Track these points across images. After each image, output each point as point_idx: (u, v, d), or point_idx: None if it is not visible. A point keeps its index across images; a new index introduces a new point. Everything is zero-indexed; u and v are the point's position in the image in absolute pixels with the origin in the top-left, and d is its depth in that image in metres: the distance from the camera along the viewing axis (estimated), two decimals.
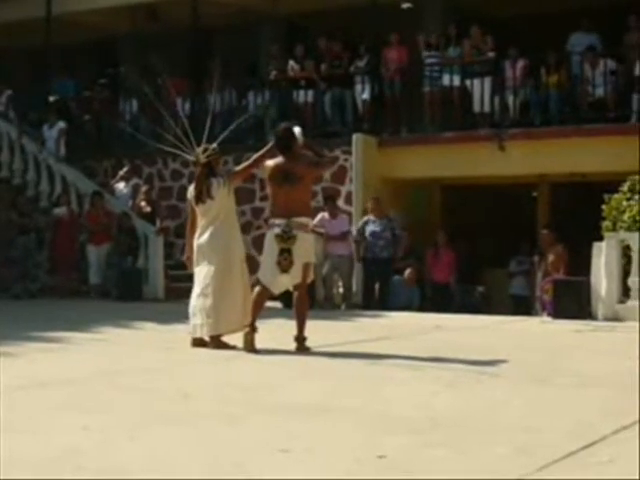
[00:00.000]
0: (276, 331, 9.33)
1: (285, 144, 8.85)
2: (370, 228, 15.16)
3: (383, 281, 15.13)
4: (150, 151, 17.16)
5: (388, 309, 14.06)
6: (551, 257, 14.27)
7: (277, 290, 8.85)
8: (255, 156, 9.14)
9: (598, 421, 5.35)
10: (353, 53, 17.82)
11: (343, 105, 17.72)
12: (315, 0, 18.77)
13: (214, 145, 9.23)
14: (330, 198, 15.73)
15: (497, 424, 5.34)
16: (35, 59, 20.86)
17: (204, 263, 8.92)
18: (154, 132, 12.35)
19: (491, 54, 16.49)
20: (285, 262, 8.57)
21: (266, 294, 8.77)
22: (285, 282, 8.75)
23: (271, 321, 8.89)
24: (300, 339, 8.66)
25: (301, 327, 8.70)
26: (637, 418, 5.30)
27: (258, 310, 8.68)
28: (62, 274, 16.75)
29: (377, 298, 15.03)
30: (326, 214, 15.11)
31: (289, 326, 8.67)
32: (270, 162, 8.88)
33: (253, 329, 8.55)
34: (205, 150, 9.11)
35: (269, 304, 8.88)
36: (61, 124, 18.86)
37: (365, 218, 15.45)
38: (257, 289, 8.75)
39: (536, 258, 15.03)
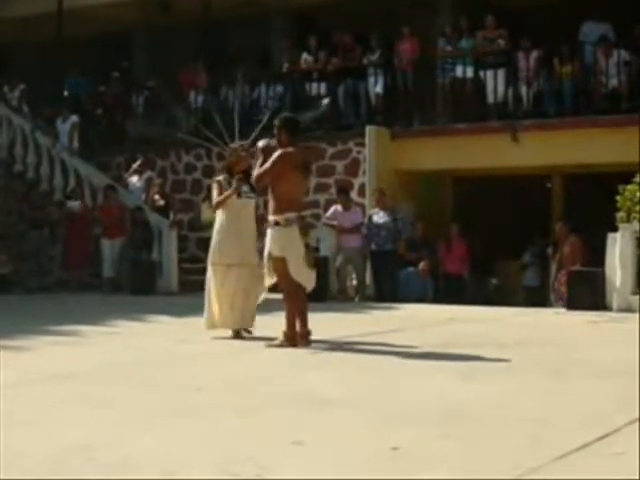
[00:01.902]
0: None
1: (298, 131, 8.67)
2: (374, 219, 15.13)
3: (388, 274, 14.97)
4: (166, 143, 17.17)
5: (401, 301, 14.03)
6: (566, 249, 14.21)
7: (311, 286, 8.41)
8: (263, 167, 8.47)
9: (612, 412, 5.32)
10: (366, 45, 17.77)
11: (356, 97, 17.67)
12: None
13: (237, 144, 9.26)
14: (343, 190, 15.71)
15: (511, 416, 5.32)
16: (47, 53, 20.87)
17: None
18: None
19: (501, 42, 16.42)
20: (309, 256, 8.39)
21: (305, 294, 8.43)
22: (313, 276, 8.43)
23: (278, 313, 8.83)
24: (305, 334, 8.40)
25: (304, 321, 8.44)
26: None
27: (306, 310, 8.41)
28: (75, 268, 16.76)
29: (387, 290, 14.98)
30: (339, 206, 15.10)
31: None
32: (288, 150, 8.32)
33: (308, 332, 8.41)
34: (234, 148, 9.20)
35: (275, 296, 8.81)
36: (74, 118, 18.86)
37: (371, 210, 15.44)
38: (297, 295, 8.34)
39: (550, 250, 14.99)
